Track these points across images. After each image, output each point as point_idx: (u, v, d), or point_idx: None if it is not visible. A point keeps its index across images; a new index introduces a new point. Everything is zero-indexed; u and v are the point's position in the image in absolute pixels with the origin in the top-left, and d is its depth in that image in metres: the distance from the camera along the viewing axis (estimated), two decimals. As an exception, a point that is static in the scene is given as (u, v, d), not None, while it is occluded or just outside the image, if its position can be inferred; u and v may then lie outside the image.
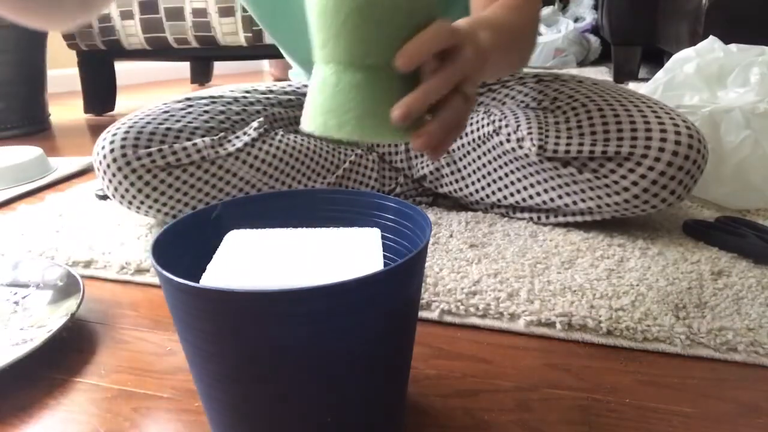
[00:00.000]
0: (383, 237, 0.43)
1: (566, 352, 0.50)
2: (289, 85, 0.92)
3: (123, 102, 2.16)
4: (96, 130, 1.72)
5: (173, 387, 0.47)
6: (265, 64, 3.38)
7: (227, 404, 0.33)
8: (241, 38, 1.62)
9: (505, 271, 0.63)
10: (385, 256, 0.41)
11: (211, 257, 0.38)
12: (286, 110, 0.87)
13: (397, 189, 0.88)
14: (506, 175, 0.77)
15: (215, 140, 0.75)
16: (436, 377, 0.47)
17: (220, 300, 0.29)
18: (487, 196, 0.81)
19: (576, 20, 2.70)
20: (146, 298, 0.63)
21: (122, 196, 0.73)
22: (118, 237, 0.78)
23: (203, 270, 0.36)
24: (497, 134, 0.76)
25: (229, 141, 0.77)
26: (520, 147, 0.73)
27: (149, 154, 0.71)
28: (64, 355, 0.52)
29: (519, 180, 0.76)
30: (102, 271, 0.69)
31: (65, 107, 2.16)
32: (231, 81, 2.79)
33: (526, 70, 0.89)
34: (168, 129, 0.74)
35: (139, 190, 0.72)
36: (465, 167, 0.81)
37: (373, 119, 0.40)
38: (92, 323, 0.58)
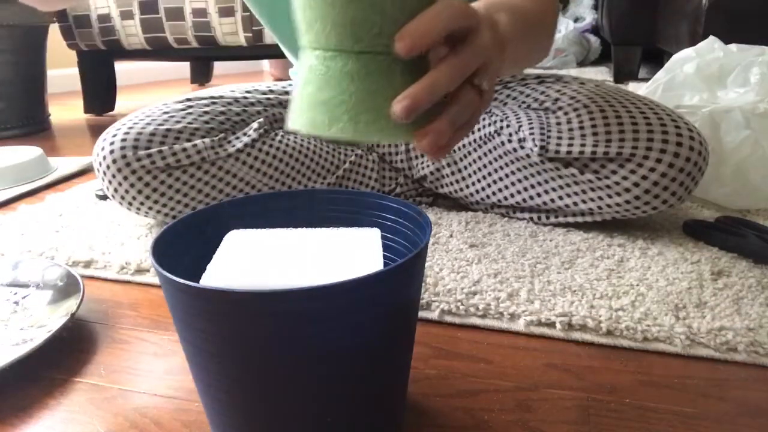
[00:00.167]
0: (383, 237, 0.43)
1: (566, 352, 0.50)
2: (290, 85, 0.92)
3: (123, 102, 2.17)
4: (96, 130, 1.72)
5: (173, 387, 0.47)
6: (265, 64, 3.38)
7: (227, 404, 0.33)
8: (241, 38, 1.62)
9: (505, 271, 0.63)
10: (385, 256, 0.41)
11: (211, 257, 0.38)
12: (286, 110, 0.87)
13: (397, 189, 0.88)
14: (507, 175, 0.77)
15: (215, 141, 0.75)
16: (436, 377, 0.47)
17: (220, 300, 0.29)
18: (488, 196, 0.81)
19: (576, 20, 2.70)
20: (146, 298, 0.63)
21: (122, 198, 0.73)
22: (118, 237, 0.78)
23: (203, 270, 0.36)
24: (498, 135, 0.76)
25: (229, 142, 0.77)
26: (522, 147, 0.73)
27: (149, 156, 0.71)
28: (64, 355, 0.52)
29: (520, 180, 0.76)
30: (102, 271, 0.69)
31: (65, 107, 2.16)
32: (231, 81, 2.79)
33: (527, 71, 0.89)
34: (168, 130, 0.74)
35: (139, 192, 0.72)
36: (466, 167, 0.81)
37: (370, 114, 0.34)
38: (92, 323, 0.58)
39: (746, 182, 0.78)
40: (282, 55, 1.01)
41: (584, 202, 0.71)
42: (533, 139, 0.71)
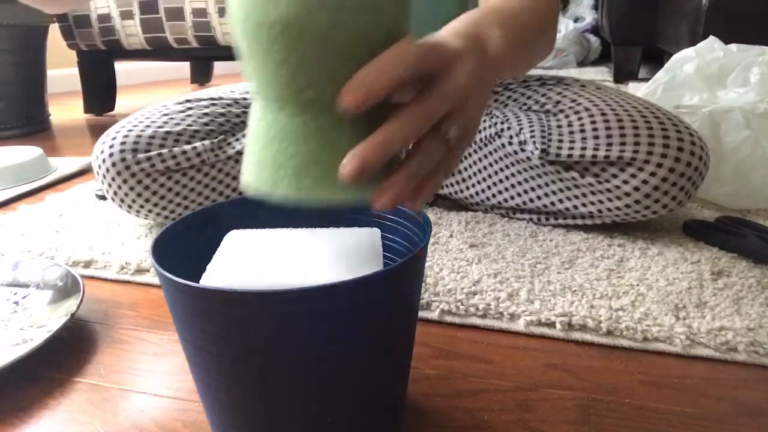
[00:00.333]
0: (383, 237, 0.43)
1: (566, 352, 0.50)
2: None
3: (123, 102, 2.17)
4: (96, 130, 1.72)
5: (173, 387, 0.47)
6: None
7: (227, 404, 0.33)
8: (241, 38, 1.62)
9: (505, 271, 0.63)
10: (385, 256, 0.41)
11: (211, 257, 0.38)
12: None
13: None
14: (507, 177, 0.77)
15: (215, 143, 0.75)
16: (436, 377, 0.47)
17: (220, 300, 0.29)
18: (488, 198, 0.81)
19: (576, 20, 2.70)
20: (146, 298, 0.63)
21: (122, 200, 0.73)
22: (118, 237, 0.77)
23: (203, 270, 0.36)
24: (499, 137, 0.76)
25: (229, 144, 0.77)
26: (522, 150, 0.73)
27: (149, 159, 0.71)
28: (64, 355, 0.52)
29: (520, 183, 0.76)
30: (102, 271, 0.69)
31: (65, 107, 2.16)
32: (231, 81, 2.79)
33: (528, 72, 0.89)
34: (167, 132, 0.74)
35: (139, 195, 0.72)
36: (466, 169, 0.81)
37: (316, 175, 0.30)
38: (92, 323, 0.58)
39: (746, 182, 0.78)
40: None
41: (584, 205, 0.71)
42: (534, 142, 0.71)
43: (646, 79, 1.62)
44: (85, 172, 1.18)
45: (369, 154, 0.29)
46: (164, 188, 0.72)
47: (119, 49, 1.75)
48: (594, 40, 2.63)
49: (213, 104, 0.81)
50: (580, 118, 0.70)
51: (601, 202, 0.69)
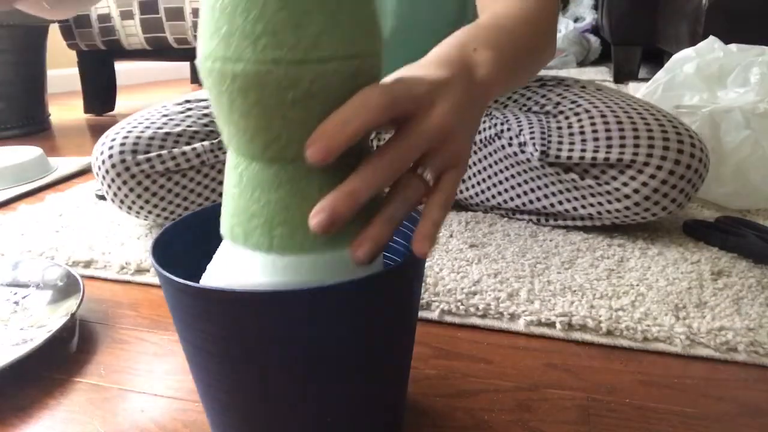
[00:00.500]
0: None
1: (566, 352, 0.50)
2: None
3: (123, 102, 2.17)
4: (96, 130, 1.72)
5: (173, 387, 0.47)
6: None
7: (227, 404, 0.33)
8: (241, 38, 1.62)
9: (505, 271, 0.63)
10: (385, 256, 0.41)
11: (211, 257, 0.38)
12: None
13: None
14: (507, 179, 0.77)
15: (215, 144, 0.75)
16: (436, 377, 0.47)
17: (220, 300, 0.29)
18: (488, 199, 0.81)
19: (576, 20, 2.70)
20: (146, 298, 0.63)
21: (122, 201, 0.73)
22: (118, 237, 0.77)
23: (203, 270, 0.36)
24: (499, 138, 0.76)
25: None
26: (522, 151, 0.73)
27: (148, 160, 0.71)
28: (64, 355, 0.52)
29: (520, 185, 0.76)
30: (102, 271, 0.69)
31: (65, 107, 2.16)
32: (231, 81, 2.78)
33: None
34: (167, 134, 0.74)
35: (139, 196, 0.72)
36: (466, 169, 0.81)
37: (285, 229, 0.30)
38: (92, 323, 0.58)
39: (746, 182, 0.78)
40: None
41: (584, 207, 0.71)
42: (534, 144, 0.71)
43: (646, 79, 1.62)
44: (85, 172, 1.18)
45: (338, 205, 0.28)
46: (164, 189, 0.72)
47: (119, 49, 1.75)
48: (594, 40, 2.63)
49: None
50: (579, 120, 0.70)
51: (600, 204, 0.69)
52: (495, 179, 0.79)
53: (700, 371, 0.47)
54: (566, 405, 0.43)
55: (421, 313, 0.56)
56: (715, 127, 0.79)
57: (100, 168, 0.72)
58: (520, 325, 0.54)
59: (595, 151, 0.67)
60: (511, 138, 0.75)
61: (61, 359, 0.51)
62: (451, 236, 0.74)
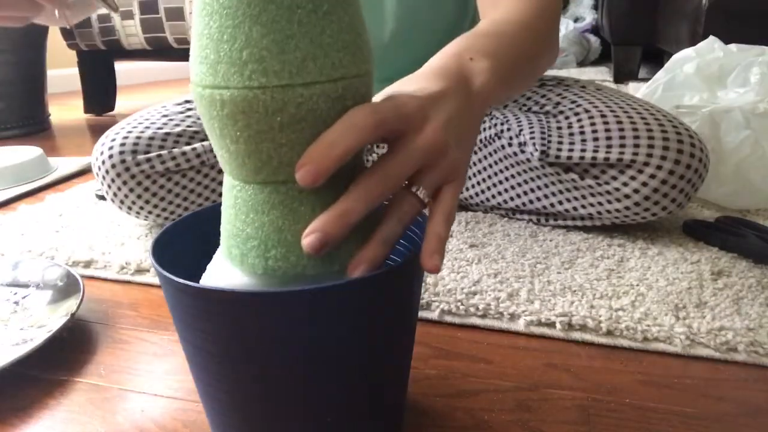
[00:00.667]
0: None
1: (566, 352, 0.50)
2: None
3: (123, 102, 2.16)
4: (96, 130, 1.72)
5: (173, 387, 0.47)
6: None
7: (227, 404, 0.33)
8: (241, 38, 1.62)
9: (505, 271, 0.63)
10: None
11: (211, 257, 0.38)
12: None
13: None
14: (507, 179, 0.77)
15: None
16: (436, 377, 0.47)
17: (220, 300, 0.29)
18: (488, 199, 0.81)
19: (576, 20, 2.70)
20: (146, 298, 0.63)
21: (122, 202, 0.73)
22: (118, 237, 0.77)
23: (203, 270, 0.36)
24: (499, 138, 0.76)
25: None
26: (522, 151, 0.73)
27: (148, 160, 0.71)
28: (64, 355, 0.52)
29: (520, 184, 0.76)
30: (102, 271, 0.69)
31: (65, 107, 2.16)
32: (231, 81, 2.78)
33: None
34: (167, 134, 0.74)
35: (139, 196, 0.72)
36: (468, 168, 0.81)
37: (279, 251, 0.31)
38: (92, 323, 0.58)
39: (746, 182, 0.78)
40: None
41: (584, 207, 0.71)
42: (534, 144, 0.71)
43: (646, 79, 1.62)
44: (85, 172, 1.18)
45: (329, 226, 0.28)
46: (164, 189, 0.72)
47: (119, 49, 1.75)
48: (594, 40, 2.63)
49: None
50: (579, 120, 0.70)
51: (600, 204, 0.69)
52: (495, 179, 0.79)
53: (700, 371, 0.47)
54: (566, 405, 0.43)
55: (421, 313, 0.56)
56: (715, 127, 0.79)
57: (100, 168, 0.72)
58: (520, 325, 0.54)
59: (595, 151, 0.67)
60: (511, 138, 0.75)
61: (61, 359, 0.51)
62: (451, 236, 0.74)
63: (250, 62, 0.28)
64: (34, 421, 0.44)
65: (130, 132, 0.73)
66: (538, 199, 0.75)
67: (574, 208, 0.72)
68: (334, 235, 0.29)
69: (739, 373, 0.47)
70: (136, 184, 0.71)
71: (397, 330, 0.35)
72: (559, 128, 0.71)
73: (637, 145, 0.65)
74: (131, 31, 1.67)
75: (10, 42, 1.57)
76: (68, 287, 0.58)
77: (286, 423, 0.33)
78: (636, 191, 0.66)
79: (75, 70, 1.90)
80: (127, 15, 1.65)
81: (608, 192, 0.68)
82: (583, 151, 0.68)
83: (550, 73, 0.95)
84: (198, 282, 0.32)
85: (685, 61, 0.90)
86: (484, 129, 0.79)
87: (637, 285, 0.59)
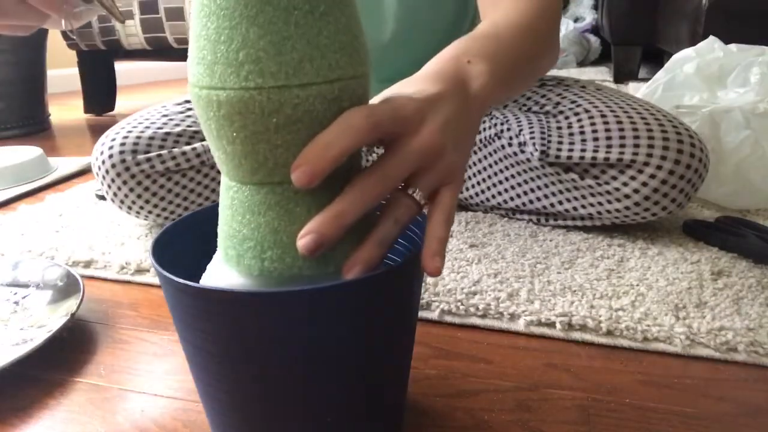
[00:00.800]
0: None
1: (566, 352, 0.50)
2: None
3: (123, 102, 2.17)
4: (96, 130, 1.72)
5: (173, 387, 0.47)
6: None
7: (227, 404, 0.33)
8: (241, 38, 1.62)
9: (505, 271, 0.63)
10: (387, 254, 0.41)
11: (211, 257, 0.38)
12: None
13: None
14: (507, 179, 0.77)
15: None
16: (436, 377, 0.47)
17: (220, 300, 0.29)
18: (488, 199, 0.81)
19: (576, 20, 2.70)
20: (146, 298, 0.63)
21: (122, 201, 0.73)
22: (118, 237, 0.77)
23: (203, 270, 0.36)
24: (499, 138, 0.76)
25: None
26: (522, 151, 0.73)
27: (148, 160, 0.71)
28: (64, 355, 0.52)
29: (520, 184, 0.76)
30: (102, 271, 0.69)
31: (65, 107, 2.16)
32: (231, 81, 2.77)
33: None
34: (167, 134, 0.74)
35: (139, 196, 0.72)
36: (466, 169, 0.81)
37: (276, 252, 0.31)
38: (92, 323, 0.58)
39: (746, 182, 0.78)
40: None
41: (584, 207, 0.71)
42: (534, 144, 0.71)
43: (646, 79, 1.62)
44: (85, 172, 1.18)
45: (324, 228, 0.29)
46: (164, 189, 0.72)
47: (119, 49, 1.75)
48: (594, 40, 2.63)
49: None
50: (579, 120, 0.70)
51: (600, 204, 0.69)
52: (495, 179, 0.79)
53: (700, 371, 0.47)
54: (566, 405, 0.43)
55: (421, 313, 0.56)
56: (715, 127, 0.79)
57: (100, 168, 0.72)
58: (520, 325, 0.54)
59: (595, 151, 0.67)
60: (511, 138, 0.75)
61: (61, 359, 0.51)
62: (451, 236, 0.74)
63: (246, 63, 0.28)
64: (34, 421, 0.44)
65: (130, 132, 0.73)
66: (538, 199, 0.75)
67: (574, 208, 0.72)
68: (329, 236, 0.29)
69: (739, 373, 0.47)
70: (136, 183, 0.71)
71: (397, 330, 0.35)
72: (559, 128, 0.71)
73: (637, 145, 0.65)
74: (131, 31, 1.67)
75: (10, 42, 1.57)
76: (68, 287, 0.58)
77: (286, 423, 0.33)
78: (636, 191, 0.66)
79: (75, 70, 1.90)
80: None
81: (608, 192, 0.68)
82: (583, 151, 0.68)
83: (550, 73, 0.96)
84: (198, 282, 0.32)
85: (685, 61, 0.90)
86: (484, 129, 0.79)
87: (637, 285, 0.59)
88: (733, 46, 0.89)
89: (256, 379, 0.31)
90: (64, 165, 1.19)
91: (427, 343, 0.52)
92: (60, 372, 0.50)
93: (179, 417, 0.43)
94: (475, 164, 0.80)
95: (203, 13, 0.29)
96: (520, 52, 0.46)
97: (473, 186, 0.81)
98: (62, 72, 2.47)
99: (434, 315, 0.56)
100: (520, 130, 0.73)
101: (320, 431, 0.34)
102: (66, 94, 2.51)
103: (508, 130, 0.75)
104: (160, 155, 0.71)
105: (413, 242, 0.41)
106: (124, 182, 0.71)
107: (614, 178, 0.67)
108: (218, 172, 0.75)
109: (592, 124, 0.68)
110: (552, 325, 0.53)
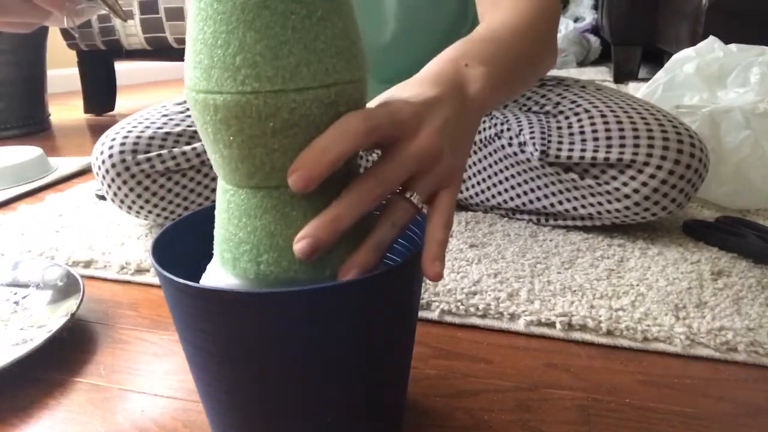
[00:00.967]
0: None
1: (566, 352, 0.50)
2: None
3: (123, 102, 2.16)
4: (96, 130, 1.72)
5: (173, 387, 0.47)
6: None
7: (227, 404, 0.33)
8: (241, 38, 1.62)
9: (505, 271, 0.63)
10: (385, 256, 0.41)
11: (211, 257, 0.38)
12: None
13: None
14: (507, 178, 0.77)
15: None
16: (436, 377, 0.47)
17: (220, 300, 0.29)
18: (488, 199, 0.81)
19: (576, 20, 2.70)
20: (146, 298, 0.63)
21: (122, 201, 0.73)
22: (118, 237, 0.77)
23: (203, 270, 0.36)
24: (499, 138, 0.76)
25: None
26: (522, 151, 0.73)
27: (149, 160, 0.71)
28: (64, 355, 0.52)
29: (520, 184, 0.76)
30: (102, 271, 0.69)
31: (65, 107, 2.16)
32: (231, 81, 2.77)
33: None
34: (167, 133, 0.74)
35: (139, 196, 0.72)
36: (466, 170, 0.81)
37: (272, 255, 0.31)
38: (92, 323, 0.58)
39: (746, 182, 0.78)
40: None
41: (584, 207, 0.71)
42: (533, 144, 0.71)
43: (646, 79, 1.62)
44: (85, 172, 1.18)
45: (320, 232, 0.29)
46: (164, 189, 0.72)
47: (119, 49, 1.75)
48: (594, 40, 2.63)
49: None
50: (579, 120, 0.70)
51: (600, 204, 0.69)
52: (495, 179, 0.79)
53: (700, 371, 0.47)
54: (566, 405, 0.43)
55: (421, 313, 0.56)
56: (715, 127, 0.79)
57: (100, 168, 0.72)
58: (520, 325, 0.54)
59: (595, 151, 0.67)
60: (511, 138, 0.75)
61: (61, 359, 0.51)
62: (451, 236, 0.74)
63: (243, 67, 0.28)
64: (34, 421, 0.44)
65: (130, 132, 0.73)
66: (538, 199, 0.75)
67: (574, 208, 0.72)
68: (325, 240, 0.29)
69: (739, 373, 0.47)
70: (136, 183, 0.71)
71: (397, 330, 0.35)
72: (559, 128, 0.71)
73: (637, 145, 0.65)
74: (131, 31, 1.67)
75: (10, 42, 1.57)
76: (68, 287, 0.58)
77: (286, 423, 0.33)
78: (636, 191, 0.66)
79: (75, 70, 1.90)
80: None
81: (608, 192, 0.68)
82: (583, 151, 0.68)
83: (550, 73, 0.95)
84: (198, 282, 0.32)
85: (685, 61, 0.90)
86: (484, 129, 0.79)
87: (637, 285, 0.59)
88: (733, 46, 0.89)
89: (256, 379, 0.31)
90: (64, 165, 1.19)
91: (427, 343, 0.52)
92: (60, 372, 0.50)
93: (179, 417, 0.43)
94: (475, 164, 0.80)
95: (200, 17, 0.29)
96: (520, 53, 0.46)
97: (473, 186, 0.81)
98: (62, 72, 2.47)
99: (434, 315, 0.56)
100: (520, 130, 0.73)
101: (320, 431, 0.34)
102: (66, 94, 2.51)
103: (508, 130, 0.75)
104: (160, 155, 0.71)
105: (413, 242, 0.41)
106: (124, 182, 0.71)
107: (614, 178, 0.67)
108: (218, 172, 0.75)
109: (592, 124, 0.68)
110: (552, 325, 0.53)
